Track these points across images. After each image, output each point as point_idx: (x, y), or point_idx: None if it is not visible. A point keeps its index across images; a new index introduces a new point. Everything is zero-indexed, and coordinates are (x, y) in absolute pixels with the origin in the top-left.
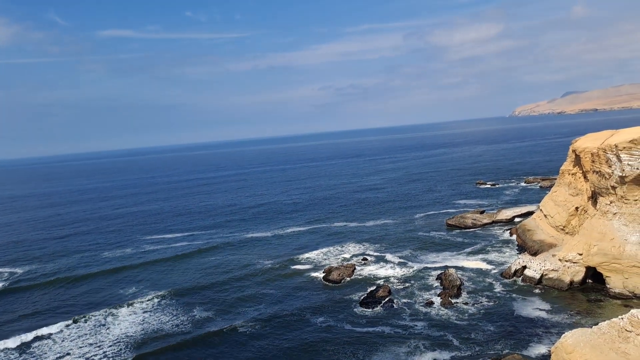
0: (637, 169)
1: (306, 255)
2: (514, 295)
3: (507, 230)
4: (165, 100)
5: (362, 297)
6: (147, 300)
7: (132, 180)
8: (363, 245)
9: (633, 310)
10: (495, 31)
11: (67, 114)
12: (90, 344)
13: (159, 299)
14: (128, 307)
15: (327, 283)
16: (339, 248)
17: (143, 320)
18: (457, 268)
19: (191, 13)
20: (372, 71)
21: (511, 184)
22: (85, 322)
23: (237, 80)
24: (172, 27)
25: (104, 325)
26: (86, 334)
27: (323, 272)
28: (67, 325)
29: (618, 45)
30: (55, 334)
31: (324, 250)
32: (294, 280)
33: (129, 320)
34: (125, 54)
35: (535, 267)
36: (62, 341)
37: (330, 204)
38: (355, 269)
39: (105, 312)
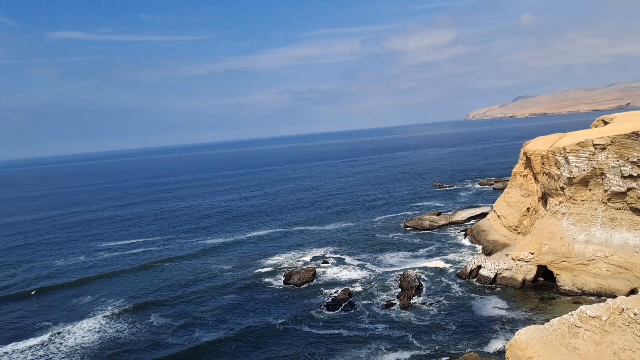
0: (584, 170)
1: (267, 259)
2: (470, 294)
3: (463, 231)
4: (120, 104)
5: (322, 300)
6: (104, 314)
7: (85, 187)
8: (323, 249)
9: (582, 307)
10: (448, 38)
11: (18, 119)
12: (41, 356)
13: (116, 311)
14: (84, 321)
15: (288, 287)
16: (300, 252)
17: (99, 329)
18: (415, 269)
19: (146, 15)
20: (330, 76)
21: (466, 186)
22: (37, 337)
23: (194, 84)
24: (125, 29)
25: (59, 334)
26: (37, 344)
27: (283, 277)
28: (17, 341)
29: (564, 52)
30: (2, 351)
31: (285, 254)
32: (255, 285)
33: (84, 334)
34: (77, 57)
35: (489, 266)
36: (12, 353)
37: (290, 208)
38: (315, 272)
39: (59, 326)
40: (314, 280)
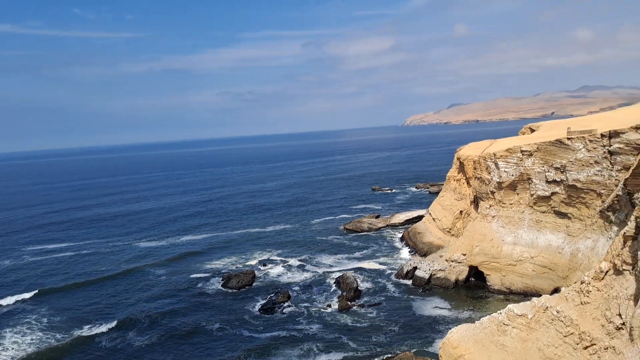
0: (512, 175)
1: (204, 263)
2: (406, 295)
3: (400, 233)
4: (54, 101)
5: (260, 303)
6: (31, 324)
7: (12, 188)
8: (263, 251)
9: (510, 305)
10: (388, 44)
11: None
12: None
13: (45, 321)
14: (11, 331)
15: (227, 290)
16: (238, 255)
17: (30, 335)
18: (354, 270)
19: (79, 10)
20: (272, 78)
21: (404, 189)
22: None
23: (132, 82)
24: (57, 24)
25: None
26: None
27: (222, 280)
28: None
29: (495, 63)
30: None
31: (223, 257)
32: (192, 289)
33: (13, 347)
34: (4, 51)
35: (424, 267)
36: None
37: (229, 210)
38: (255, 275)
39: None
40: (254, 284)
